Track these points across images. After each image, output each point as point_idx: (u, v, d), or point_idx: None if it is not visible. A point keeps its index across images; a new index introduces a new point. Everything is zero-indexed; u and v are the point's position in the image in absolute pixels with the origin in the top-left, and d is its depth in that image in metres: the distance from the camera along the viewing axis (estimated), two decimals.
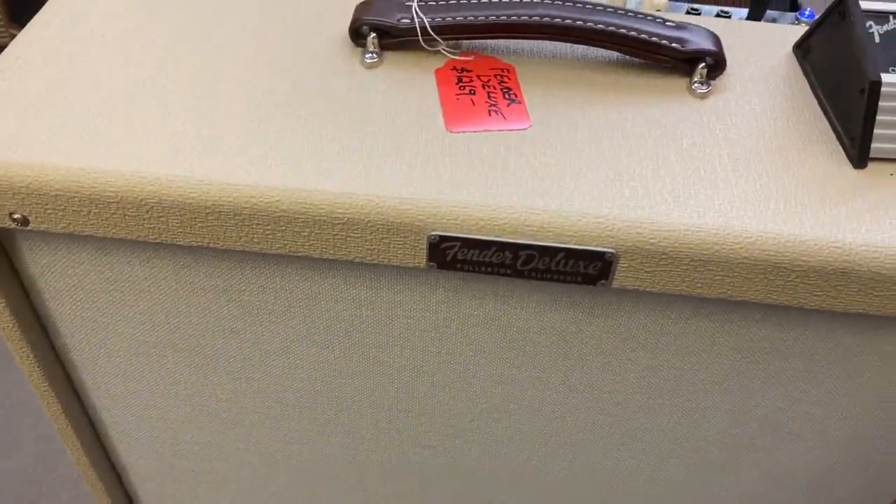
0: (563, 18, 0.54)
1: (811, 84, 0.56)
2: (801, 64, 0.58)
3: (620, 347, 0.55)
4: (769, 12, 0.67)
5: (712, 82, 0.56)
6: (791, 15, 0.67)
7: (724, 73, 0.56)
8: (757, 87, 0.56)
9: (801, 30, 0.61)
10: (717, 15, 0.66)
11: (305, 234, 0.48)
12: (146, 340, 0.60)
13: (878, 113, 0.49)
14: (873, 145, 0.50)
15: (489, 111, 0.53)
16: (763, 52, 0.59)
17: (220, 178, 0.47)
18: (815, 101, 0.55)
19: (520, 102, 0.53)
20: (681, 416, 0.60)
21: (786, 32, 0.61)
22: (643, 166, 0.49)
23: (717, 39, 0.56)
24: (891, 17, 0.52)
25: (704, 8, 0.67)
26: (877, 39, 0.51)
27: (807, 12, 0.65)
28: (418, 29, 0.55)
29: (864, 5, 0.52)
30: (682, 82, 0.56)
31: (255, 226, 0.48)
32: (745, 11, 0.67)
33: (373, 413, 0.63)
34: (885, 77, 0.49)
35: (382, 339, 0.57)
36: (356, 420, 0.64)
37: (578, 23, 0.54)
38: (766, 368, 0.55)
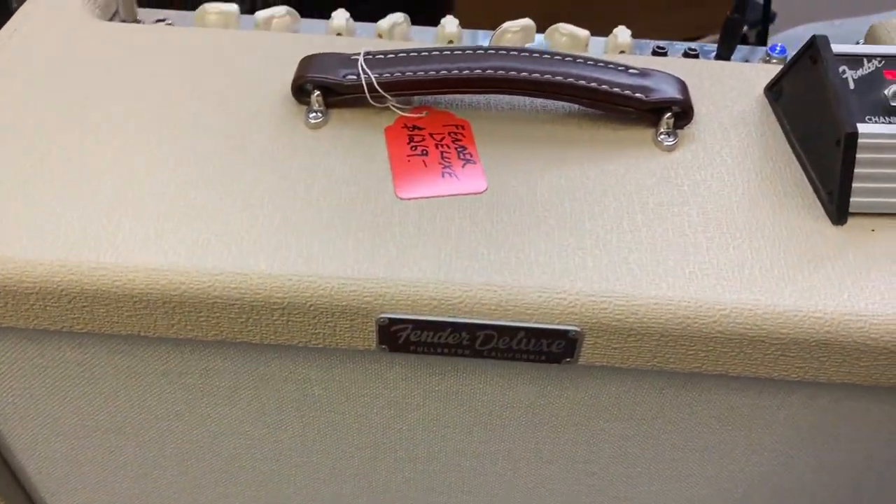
0: (519, 71, 0.51)
1: (784, 129, 0.53)
2: (772, 106, 0.55)
3: (593, 419, 0.51)
4: (739, 47, 0.64)
5: (680, 132, 0.52)
6: (762, 50, 0.64)
7: (693, 120, 0.53)
8: (727, 134, 0.53)
9: (772, 69, 0.57)
10: (685, 53, 0.63)
11: (242, 320, 0.44)
12: (86, 424, 0.56)
13: (856, 166, 0.46)
14: (852, 200, 0.47)
15: (443, 173, 0.49)
16: (733, 94, 0.56)
17: (145, 264, 0.43)
18: (789, 149, 0.52)
19: (475, 163, 0.50)
20: (663, 484, 0.56)
21: (756, 72, 0.58)
22: (607, 231, 0.46)
23: (683, 86, 0.53)
24: (864, 61, 0.49)
25: (672, 45, 0.64)
26: (851, 86, 0.48)
27: (777, 47, 0.62)
28: (365, 86, 0.51)
29: (836, 49, 0.49)
30: (647, 133, 0.52)
31: (186, 313, 0.44)
32: (714, 47, 0.64)
33: (333, 490, 0.59)
34: (862, 127, 0.46)
35: (338, 418, 0.53)
36: (316, 497, 0.60)
37: (535, 76, 0.51)
38: (749, 435, 0.51)
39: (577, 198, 0.48)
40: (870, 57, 0.49)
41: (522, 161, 0.50)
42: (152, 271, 0.43)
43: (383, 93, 0.51)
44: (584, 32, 0.61)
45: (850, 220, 0.47)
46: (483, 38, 0.64)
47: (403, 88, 0.52)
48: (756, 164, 0.51)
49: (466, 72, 0.51)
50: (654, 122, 0.52)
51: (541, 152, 0.51)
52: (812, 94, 0.49)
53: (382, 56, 0.53)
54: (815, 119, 0.49)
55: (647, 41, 0.64)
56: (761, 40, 0.67)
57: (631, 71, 0.53)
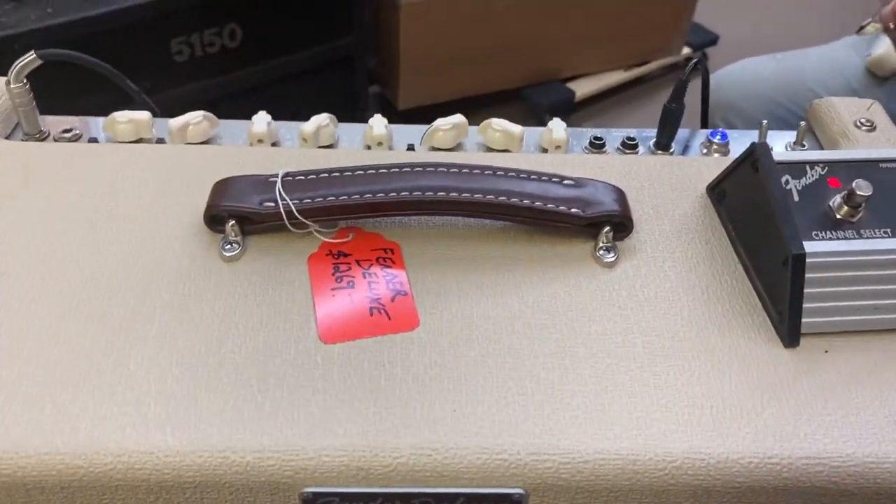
0: (448, 191, 0.48)
1: (729, 236, 0.50)
2: (716, 208, 0.52)
3: None
4: (679, 130, 0.61)
5: (620, 243, 0.50)
6: (703, 133, 0.62)
7: (633, 230, 0.50)
8: (670, 244, 0.50)
9: (713, 164, 0.55)
10: (623, 143, 0.60)
11: (151, 501, 0.39)
12: None
13: (806, 286, 0.44)
14: (804, 321, 0.44)
15: (371, 309, 0.45)
16: (674, 195, 0.53)
17: (37, 448, 0.38)
18: (735, 259, 0.49)
19: (406, 294, 0.46)
20: None
21: (697, 168, 0.55)
22: (549, 370, 0.43)
23: (621, 196, 0.50)
24: (807, 168, 0.47)
25: (609, 133, 0.61)
26: (795, 197, 0.46)
27: (717, 136, 0.60)
28: (284, 214, 0.48)
29: (778, 156, 0.47)
30: (587, 248, 0.50)
31: (88, 497, 0.39)
32: (653, 132, 0.61)
33: None
34: (810, 246, 0.44)
35: None
36: None
37: (465, 196, 0.47)
38: None
39: (517, 330, 0.45)
40: (812, 164, 0.47)
41: (457, 288, 0.47)
42: (45, 455, 0.38)
43: (304, 220, 0.48)
44: (517, 129, 0.58)
45: (803, 341, 0.45)
46: (416, 135, 0.60)
47: (325, 215, 0.48)
48: (702, 278, 0.48)
49: (393, 195, 0.47)
50: (594, 236, 0.49)
51: (477, 276, 0.47)
52: (755, 204, 0.47)
53: (303, 177, 0.49)
54: (760, 232, 0.47)
55: (584, 130, 0.62)
56: (703, 121, 0.65)
57: (566, 182, 0.50)
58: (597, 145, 0.60)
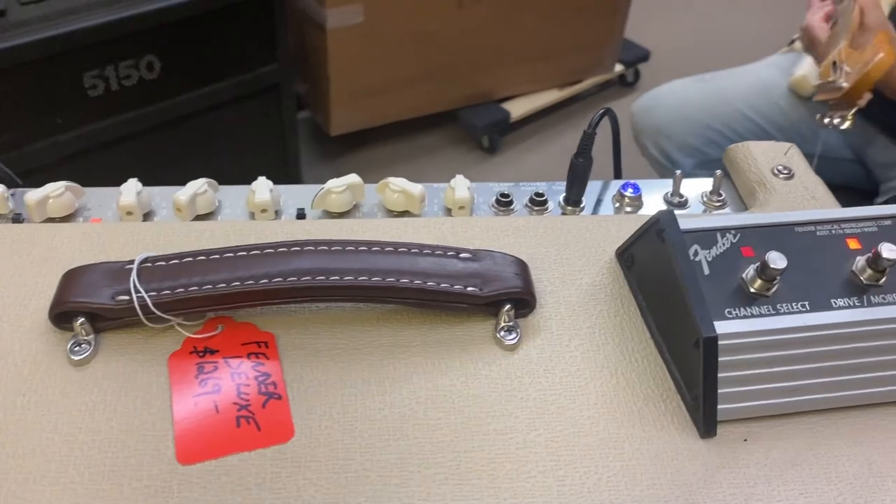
0: (327, 274, 0.42)
1: (640, 306, 0.46)
2: (626, 275, 0.48)
3: None
4: (592, 183, 0.58)
5: (523, 321, 0.45)
6: (616, 185, 0.58)
7: (538, 302, 0.46)
8: (576, 318, 0.46)
9: (624, 224, 0.51)
10: (531, 200, 0.56)
11: None
12: None
13: (721, 370, 0.40)
14: (720, 407, 0.40)
15: (239, 419, 0.40)
16: (581, 261, 0.49)
17: None
18: (647, 332, 0.45)
19: (280, 397, 0.41)
20: None
21: (607, 228, 0.51)
22: (440, 483, 0.37)
23: (523, 269, 0.46)
24: (718, 237, 0.43)
25: (518, 187, 0.57)
26: (706, 270, 0.42)
27: (629, 189, 0.56)
28: (139, 309, 0.42)
29: (685, 224, 0.43)
30: (488, 328, 0.45)
31: None
32: (563, 185, 0.57)
33: None
34: (722, 326, 0.40)
35: None
36: None
37: (346, 279, 0.42)
38: None
39: (406, 434, 0.40)
40: (723, 231, 0.43)
41: (340, 385, 0.42)
42: None
43: (162, 314, 0.42)
44: (417, 189, 0.54)
45: (720, 430, 0.41)
46: (308, 196, 0.55)
47: (187, 307, 0.42)
48: (610, 358, 0.44)
49: (264, 281, 0.42)
50: (494, 314, 0.45)
51: (363, 369, 0.42)
52: (663, 276, 0.43)
53: (164, 263, 0.44)
54: (670, 308, 0.43)
55: (491, 184, 0.57)
56: (616, 172, 0.61)
57: (463, 256, 0.45)
58: (504, 203, 0.55)
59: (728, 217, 0.44)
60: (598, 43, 1.96)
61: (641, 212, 0.57)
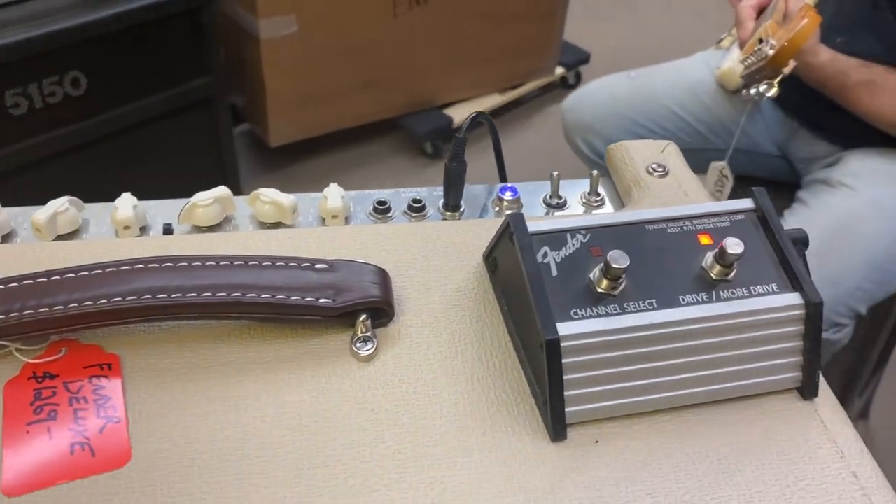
0: (169, 292, 0.41)
1: (503, 311, 0.46)
2: (491, 280, 0.48)
3: None
4: (469, 187, 0.56)
5: (382, 330, 0.44)
6: (499, 185, 0.58)
7: (397, 313, 0.45)
8: (437, 325, 0.45)
9: (495, 228, 0.51)
10: (409, 206, 0.55)
11: None
12: None
13: (566, 371, 0.39)
14: (568, 410, 0.40)
15: (73, 446, 0.38)
16: (448, 267, 0.48)
17: None
18: (507, 336, 0.45)
19: (118, 421, 0.39)
20: None
21: (478, 233, 0.50)
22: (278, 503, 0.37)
23: (381, 277, 0.45)
24: (568, 238, 0.43)
25: (398, 195, 0.56)
26: (553, 271, 0.41)
27: (508, 192, 0.56)
28: None
29: (534, 226, 0.43)
30: (344, 339, 0.44)
31: None
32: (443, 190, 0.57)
33: None
34: (566, 328, 0.39)
35: None
36: None
37: (191, 296, 0.41)
38: None
39: (247, 454, 0.38)
40: (574, 231, 0.43)
41: (184, 405, 0.40)
42: None
43: None
44: (288, 199, 0.53)
45: (572, 432, 0.40)
46: (175, 210, 0.53)
47: (22, 332, 0.41)
48: (468, 364, 0.43)
49: (103, 302, 0.41)
50: (351, 325, 0.44)
51: (210, 389, 0.41)
52: (516, 279, 0.42)
53: (2, 287, 0.42)
54: (522, 311, 0.42)
55: (370, 193, 0.57)
56: (501, 175, 0.60)
57: (318, 267, 0.44)
58: (381, 210, 0.55)
59: (579, 218, 0.43)
60: (538, 46, 1.97)
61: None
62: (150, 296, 0.41)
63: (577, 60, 2.10)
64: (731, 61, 1.23)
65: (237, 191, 1.73)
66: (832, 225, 1.02)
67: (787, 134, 1.21)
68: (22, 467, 0.37)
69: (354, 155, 1.95)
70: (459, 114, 1.94)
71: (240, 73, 1.76)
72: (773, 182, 1.25)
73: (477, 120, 0.55)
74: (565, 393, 0.39)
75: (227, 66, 1.58)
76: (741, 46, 1.06)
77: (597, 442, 0.40)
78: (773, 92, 0.97)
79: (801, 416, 0.41)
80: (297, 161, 1.89)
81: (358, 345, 0.43)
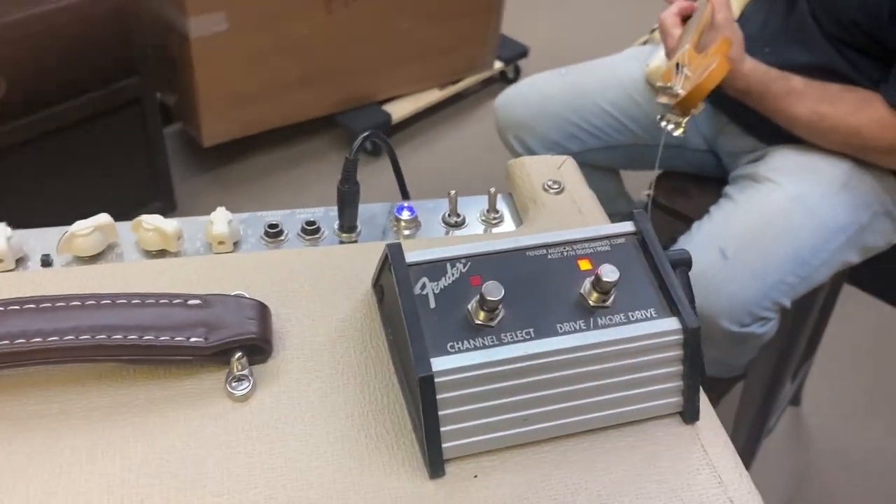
0: (28, 337, 0.39)
1: (388, 341, 0.45)
2: (379, 310, 0.47)
3: None
4: (368, 206, 0.55)
5: (261, 367, 0.43)
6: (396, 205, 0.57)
7: (274, 350, 0.44)
8: (320, 359, 0.44)
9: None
10: (303, 229, 0.54)
11: None
12: None
13: (443, 407, 0.39)
14: (445, 446, 0.39)
15: None
16: (336, 296, 0.47)
17: None
18: (392, 368, 0.44)
19: None
20: None
21: (370, 259, 0.49)
22: None
23: (259, 312, 0.43)
24: (448, 267, 0.42)
25: (293, 216, 0.55)
26: (432, 303, 0.40)
27: (404, 211, 0.55)
28: None
29: (414, 256, 0.42)
30: (219, 378, 0.42)
31: None
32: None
33: None
34: (440, 363, 0.38)
35: None
36: None
37: (52, 339, 0.39)
38: None
39: None
40: (454, 261, 0.42)
41: (46, 456, 0.38)
42: None
43: None
44: (172, 225, 0.51)
45: (451, 467, 0.39)
46: (52, 239, 0.51)
47: None
48: (350, 400, 0.42)
49: None
50: (226, 363, 0.42)
51: (74, 437, 0.39)
52: (396, 311, 0.41)
53: None
54: (403, 345, 0.41)
55: (262, 214, 0.55)
56: (402, 193, 0.59)
57: (191, 303, 0.43)
58: (272, 234, 0.53)
59: (460, 247, 0.42)
60: (475, 41, 1.96)
61: (420, 233, 0.55)
62: (7, 341, 0.39)
63: (515, 54, 2.10)
64: (659, 59, 1.24)
65: (170, 195, 1.69)
66: (757, 220, 1.04)
67: (716, 128, 1.22)
68: None
69: (291, 153, 1.92)
70: (398, 110, 1.92)
71: (170, 72, 1.71)
72: (700, 177, 1.26)
73: (371, 139, 0.54)
74: (442, 428, 0.39)
75: (156, 65, 1.53)
76: (667, 55, 1.06)
77: (475, 476, 0.39)
78: (679, 132, 0.98)
79: (682, 441, 0.41)
80: (232, 161, 1.86)
81: (233, 384, 0.42)
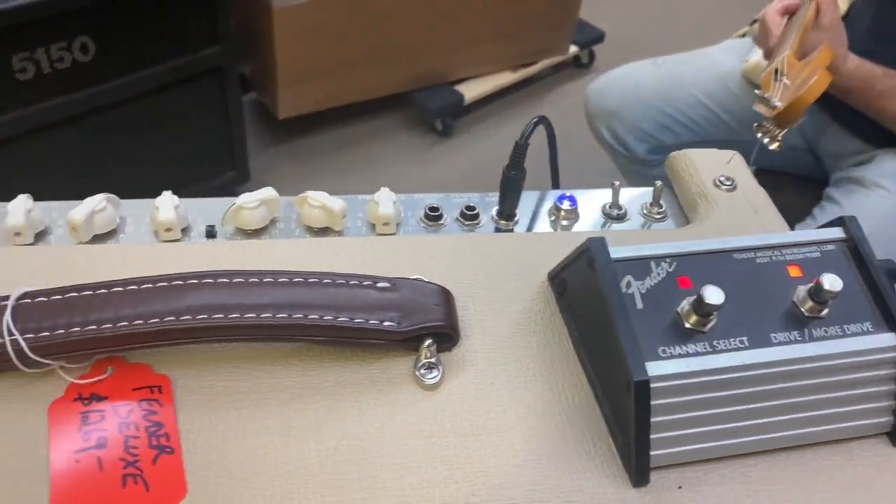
0: (226, 312, 0.38)
1: (572, 337, 0.43)
2: (558, 303, 0.45)
3: None
4: (529, 193, 0.54)
5: (447, 355, 0.42)
6: (553, 195, 0.55)
7: (464, 333, 0.42)
8: (505, 351, 0.42)
9: (559, 243, 0.48)
10: (462, 214, 0.52)
11: None
12: None
13: (653, 414, 0.37)
14: (653, 454, 0.37)
15: (125, 477, 0.36)
16: (510, 285, 0.46)
17: None
18: (579, 366, 0.42)
19: (172, 451, 0.37)
20: None
21: (539, 249, 0.47)
22: None
23: (446, 299, 0.42)
24: (652, 266, 0.40)
25: (449, 199, 0.53)
26: (639, 304, 0.39)
27: (565, 201, 0.53)
28: (13, 354, 0.37)
29: (618, 251, 0.40)
30: (406, 365, 0.41)
31: None
32: (496, 196, 0.54)
33: None
34: (655, 367, 0.36)
35: None
36: None
37: (248, 317, 0.38)
38: None
39: (312, 494, 0.36)
40: (658, 259, 0.40)
41: (241, 435, 0.38)
42: None
43: (40, 359, 0.38)
44: (338, 204, 0.49)
45: (654, 477, 0.38)
46: (217, 211, 0.50)
47: (68, 351, 0.38)
48: (540, 398, 0.40)
49: (154, 321, 0.38)
50: (415, 349, 0.41)
51: (267, 417, 0.38)
52: (594, 308, 0.40)
53: (45, 298, 0.39)
54: (602, 344, 0.40)
55: (422, 197, 0.53)
56: (554, 182, 0.58)
57: (380, 285, 0.41)
58: (433, 217, 0.52)
59: (663, 244, 0.41)
60: (552, 24, 1.92)
61: (578, 224, 0.53)
62: (205, 315, 0.38)
63: (590, 39, 2.05)
64: (757, 55, 1.19)
65: (245, 166, 1.69)
66: (866, 227, 1.00)
67: (818, 127, 1.18)
68: (71, 501, 0.35)
69: (363, 129, 1.91)
70: (470, 91, 1.89)
71: (250, 43, 1.70)
72: (797, 177, 1.22)
73: (538, 124, 0.52)
74: (651, 436, 0.37)
75: (236, 35, 1.53)
76: (765, 57, 1.02)
77: (680, 487, 0.38)
78: (775, 146, 0.94)
79: (892, 464, 0.39)
80: (304, 135, 1.85)
81: (422, 371, 0.41)
